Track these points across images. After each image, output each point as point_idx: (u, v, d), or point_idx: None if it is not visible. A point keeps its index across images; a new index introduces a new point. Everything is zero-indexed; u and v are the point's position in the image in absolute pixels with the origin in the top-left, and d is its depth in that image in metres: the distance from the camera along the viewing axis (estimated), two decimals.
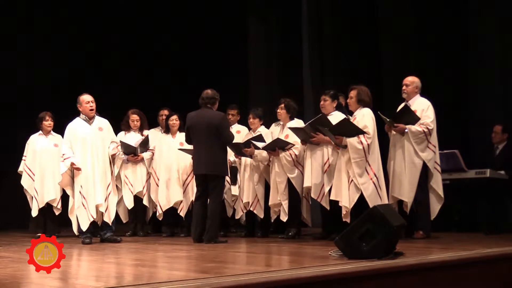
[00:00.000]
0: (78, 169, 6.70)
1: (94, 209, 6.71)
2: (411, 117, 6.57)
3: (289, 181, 7.02)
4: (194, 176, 7.02)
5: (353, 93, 6.53)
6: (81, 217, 6.67)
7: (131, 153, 7.89)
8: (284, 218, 7.04)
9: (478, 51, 8.51)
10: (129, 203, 7.93)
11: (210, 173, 6.70)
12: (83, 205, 6.67)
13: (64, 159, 6.76)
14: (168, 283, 3.51)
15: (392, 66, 8.94)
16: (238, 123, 8.17)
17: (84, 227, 6.67)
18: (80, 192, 6.68)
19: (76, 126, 6.89)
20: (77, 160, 6.73)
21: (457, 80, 8.67)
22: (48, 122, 8.00)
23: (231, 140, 6.96)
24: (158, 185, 7.88)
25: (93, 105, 6.89)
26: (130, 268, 4.63)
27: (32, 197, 7.89)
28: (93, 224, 6.77)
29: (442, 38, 8.69)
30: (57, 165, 7.20)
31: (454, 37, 8.68)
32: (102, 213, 6.81)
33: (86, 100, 6.87)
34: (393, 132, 6.69)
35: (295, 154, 7.04)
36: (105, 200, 6.81)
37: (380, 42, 9.26)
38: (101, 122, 7.01)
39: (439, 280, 4.31)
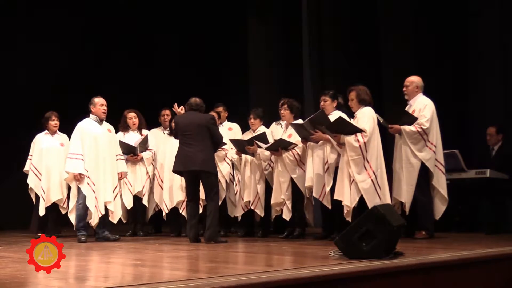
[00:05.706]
0: (81, 180, 6.98)
1: (103, 206, 7.04)
2: (408, 118, 6.56)
3: (292, 180, 7.03)
4: (185, 175, 6.90)
5: (352, 95, 6.53)
6: (93, 212, 6.97)
7: (131, 153, 7.89)
8: (287, 216, 7.04)
9: (478, 51, 8.51)
10: (129, 203, 7.91)
11: (205, 170, 6.67)
12: (96, 200, 6.97)
13: (77, 158, 7.01)
14: (168, 283, 3.51)
15: (392, 66, 8.94)
16: (228, 120, 8.18)
17: (94, 222, 6.99)
18: (91, 189, 6.96)
19: (88, 125, 7.20)
20: (86, 167, 7.00)
21: (457, 80, 8.67)
22: (54, 122, 8.03)
23: (221, 140, 7.04)
24: (161, 187, 7.91)
25: (106, 108, 7.26)
26: (130, 268, 4.63)
27: (39, 196, 7.84)
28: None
29: (442, 38, 8.69)
30: (63, 163, 7.38)
31: (454, 37, 8.69)
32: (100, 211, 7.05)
33: (101, 103, 7.24)
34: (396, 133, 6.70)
35: (298, 154, 7.03)
36: (113, 200, 7.16)
37: (380, 42, 9.26)
38: (109, 125, 7.38)
39: (439, 280, 4.31)
